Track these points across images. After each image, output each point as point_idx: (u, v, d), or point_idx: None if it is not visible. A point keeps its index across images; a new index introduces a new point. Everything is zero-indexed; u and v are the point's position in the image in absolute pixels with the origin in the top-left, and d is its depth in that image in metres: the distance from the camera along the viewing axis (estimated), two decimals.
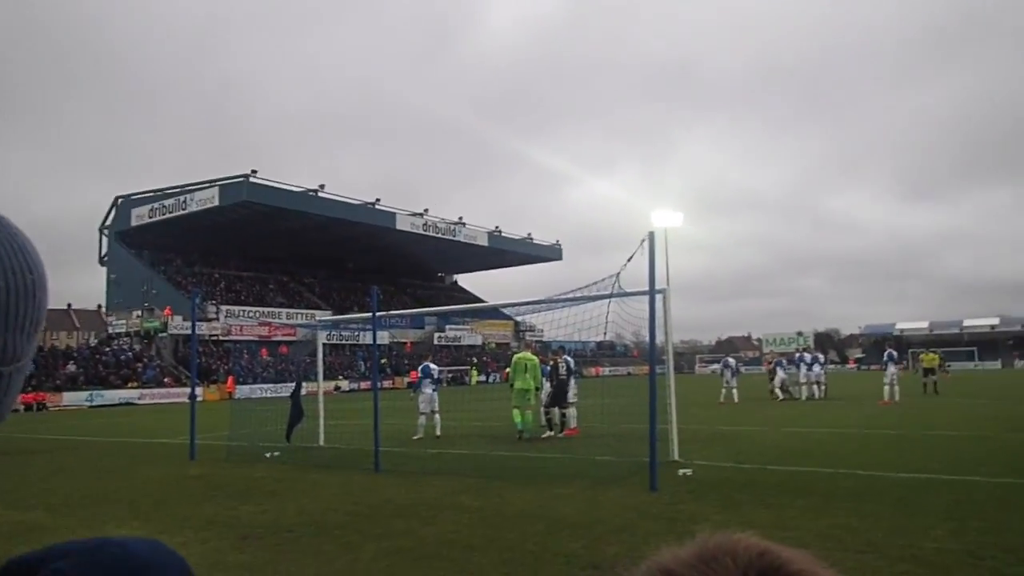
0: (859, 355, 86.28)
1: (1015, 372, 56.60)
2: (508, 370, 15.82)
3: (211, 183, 52.07)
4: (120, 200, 58.38)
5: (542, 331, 61.46)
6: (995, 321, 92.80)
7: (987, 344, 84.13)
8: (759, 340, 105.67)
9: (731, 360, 27.57)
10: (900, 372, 24.12)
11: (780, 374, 26.66)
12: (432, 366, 16.78)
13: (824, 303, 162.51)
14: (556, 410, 15.72)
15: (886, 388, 23.18)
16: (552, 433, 15.35)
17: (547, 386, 16.09)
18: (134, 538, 0.80)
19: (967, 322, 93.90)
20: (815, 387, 26.07)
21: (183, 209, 53.13)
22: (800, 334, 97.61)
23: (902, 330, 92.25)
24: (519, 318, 66.03)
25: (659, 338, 10.89)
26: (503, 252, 71.88)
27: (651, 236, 9.99)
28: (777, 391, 26.08)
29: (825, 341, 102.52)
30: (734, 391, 25.60)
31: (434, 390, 16.21)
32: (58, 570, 0.69)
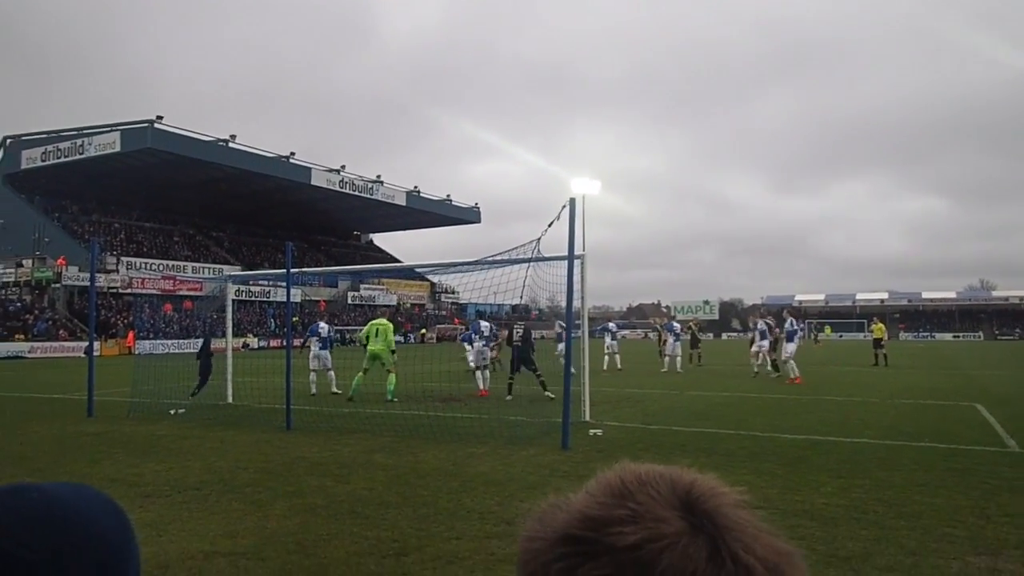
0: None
1: (900, 343, 60.59)
2: (361, 334, 16.42)
3: (112, 127, 48.96)
4: (9, 140, 54.27)
5: (458, 293, 61.56)
6: (884, 295, 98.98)
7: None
8: (668, 307, 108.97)
9: (611, 325, 26.56)
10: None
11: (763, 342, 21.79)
12: (322, 325, 17.52)
13: (718, 275, 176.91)
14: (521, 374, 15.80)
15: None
16: (549, 394, 14.63)
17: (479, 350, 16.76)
18: (56, 482, 0.75)
19: (859, 296, 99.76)
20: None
21: (80, 153, 49.84)
22: (707, 302, 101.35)
23: (800, 301, 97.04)
24: (435, 279, 65.76)
25: (575, 303, 11.09)
26: (421, 212, 71.06)
27: (572, 202, 10.09)
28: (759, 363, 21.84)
29: (729, 310, 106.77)
30: (616, 357, 24.47)
31: (321, 348, 16.83)
32: None
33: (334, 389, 16.26)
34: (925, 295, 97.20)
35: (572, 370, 10.44)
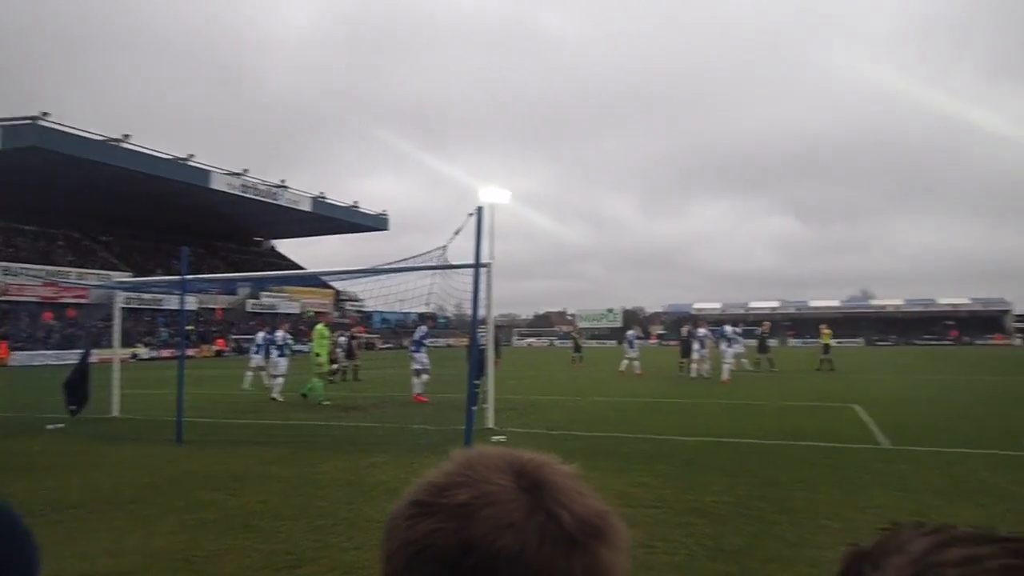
0: (660, 331, 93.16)
1: (789, 349, 63.74)
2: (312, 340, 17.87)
3: None
4: None
5: (363, 301, 60.56)
6: (775, 303, 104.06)
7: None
8: (573, 315, 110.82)
9: (629, 333, 28.27)
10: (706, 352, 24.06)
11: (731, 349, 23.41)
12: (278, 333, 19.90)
13: (607, 286, 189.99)
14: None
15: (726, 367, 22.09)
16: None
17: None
18: None
19: (752, 304, 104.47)
20: (742, 361, 25.87)
21: None
22: (610, 310, 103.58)
23: (699, 309, 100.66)
24: (340, 287, 64.44)
25: (481, 311, 11.14)
26: (327, 219, 69.51)
27: (480, 211, 10.15)
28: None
29: (631, 318, 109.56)
30: (636, 363, 25.86)
31: (280, 355, 18.43)
32: None
33: (275, 395, 16.79)
34: (812, 303, 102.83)
35: (476, 381, 10.47)
